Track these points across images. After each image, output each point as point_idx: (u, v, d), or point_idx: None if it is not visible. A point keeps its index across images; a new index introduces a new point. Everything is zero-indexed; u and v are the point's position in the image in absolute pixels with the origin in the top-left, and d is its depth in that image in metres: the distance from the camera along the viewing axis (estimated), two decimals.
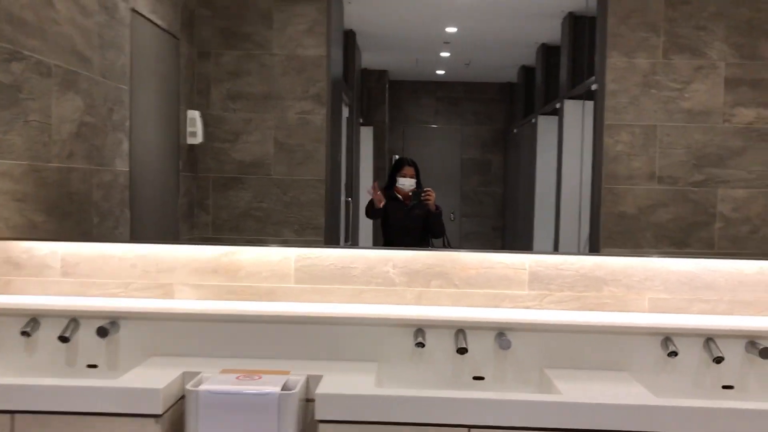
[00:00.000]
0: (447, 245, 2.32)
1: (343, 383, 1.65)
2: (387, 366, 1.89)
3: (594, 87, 2.10)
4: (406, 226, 2.30)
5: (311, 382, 1.70)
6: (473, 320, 1.91)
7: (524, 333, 1.89)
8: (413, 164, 2.30)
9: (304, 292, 2.03)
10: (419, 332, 1.88)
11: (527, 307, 2.02)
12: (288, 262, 2.04)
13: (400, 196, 2.28)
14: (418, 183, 2.28)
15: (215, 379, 1.63)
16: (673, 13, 2.03)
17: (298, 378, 1.67)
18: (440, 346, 1.91)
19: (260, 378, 1.65)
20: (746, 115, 2.04)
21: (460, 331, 1.89)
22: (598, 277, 2.01)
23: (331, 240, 2.14)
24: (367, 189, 2.31)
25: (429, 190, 2.26)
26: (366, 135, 2.43)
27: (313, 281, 2.03)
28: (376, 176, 2.41)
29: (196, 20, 2.00)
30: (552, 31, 2.27)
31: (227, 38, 2.02)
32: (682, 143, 2.05)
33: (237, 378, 1.64)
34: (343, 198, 2.27)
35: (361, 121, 2.40)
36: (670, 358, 1.86)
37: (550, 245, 2.28)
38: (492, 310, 2.00)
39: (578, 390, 1.68)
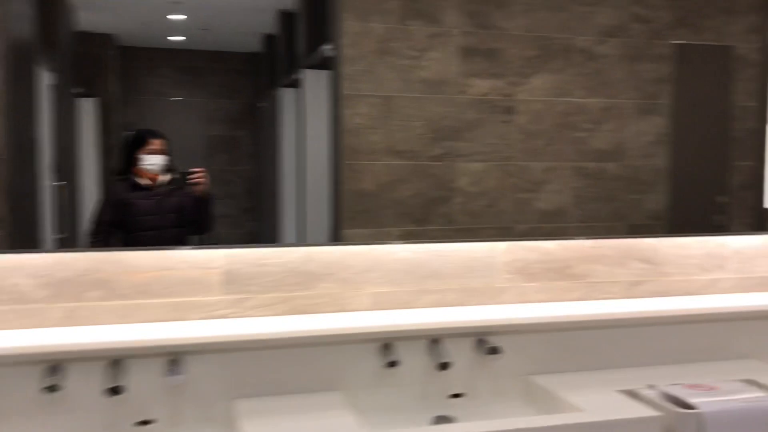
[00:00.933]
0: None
1: None
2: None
3: (329, 54, 1.93)
4: (156, 219, 1.88)
5: None
6: (135, 345, 1.51)
7: (209, 356, 1.56)
8: (163, 136, 1.90)
9: None
10: (54, 370, 1.45)
11: (223, 316, 1.72)
12: None
13: (144, 180, 1.87)
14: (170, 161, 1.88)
15: None
16: None
17: None
18: (87, 385, 1.49)
19: None
20: (481, 86, 1.99)
21: (116, 362, 1.49)
22: (311, 271, 1.79)
23: (26, 235, 1.76)
24: None
25: (202, 171, 1.89)
26: (88, 108, 2.08)
27: None
28: (105, 155, 2.07)
29: None
30: None
31: None
32: (420, 115, 1.95)
33: None
34: (49, 182, 1.90)
35: (79, 91, 2.04)
36: (391, 368, 1.65)
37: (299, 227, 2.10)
38: (170, 326, 1.63)
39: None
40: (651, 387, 1.71)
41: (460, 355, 1.73)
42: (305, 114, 2.06)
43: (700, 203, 2.25)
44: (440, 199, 1.97)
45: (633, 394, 1.70)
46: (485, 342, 1.73)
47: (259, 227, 2.21)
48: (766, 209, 2.26)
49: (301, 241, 1.98)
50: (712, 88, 2.23)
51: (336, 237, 1.93)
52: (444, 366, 1.66)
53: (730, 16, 2.16)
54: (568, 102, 2.05)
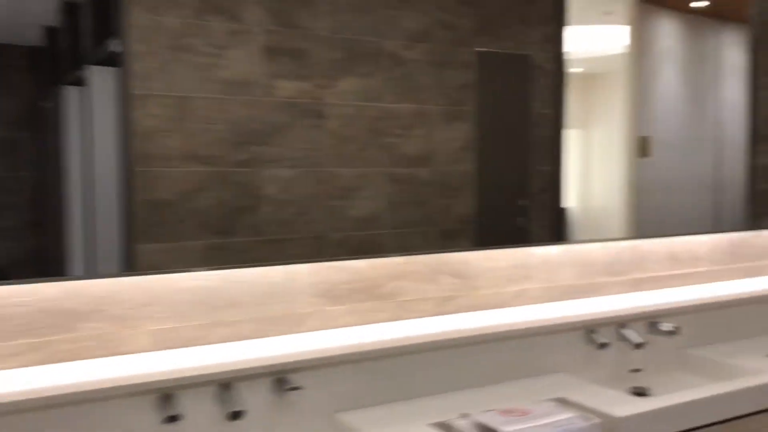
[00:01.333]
0: None
1: None
2: None
3: (116, 49, 1.73)
4: None
5: None
6: None
7: None
8: None
9: None
10: None
11: None
12: None
13: None
14: None
15: None
16: None
17: None
18: None
19: None
20: (288, 88, 1.89)
21: None
22: (73, 309, 1.55)
23: None
24: None
25: None
26: None
27: None
28: None
29: None
30: None
31: None
32: (222, 118, 1.81)
33: None
34: None
35: None
36: (171, 424, 1.42)
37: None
38: None
39: None
40: (464, 416, 1.66)
41: (255, 398, 1.56)
42: (92, 115, 1.84)
43: (505, 206, 2.32)
44: (246, 209, 1.84)
45: (446, 427, 1.64)
46: (285, 381, 1.58)
47: (43, 242, 1.96)
48: (562, 209, 2.38)
49: (91, 258, 1.77)
50: (512, 96, 2.31)
51: (128, 252, 1.73)
52: (236, 415, 1.47)
53: (526, 26, 2.25)
54: (378, 107, 2.01)
